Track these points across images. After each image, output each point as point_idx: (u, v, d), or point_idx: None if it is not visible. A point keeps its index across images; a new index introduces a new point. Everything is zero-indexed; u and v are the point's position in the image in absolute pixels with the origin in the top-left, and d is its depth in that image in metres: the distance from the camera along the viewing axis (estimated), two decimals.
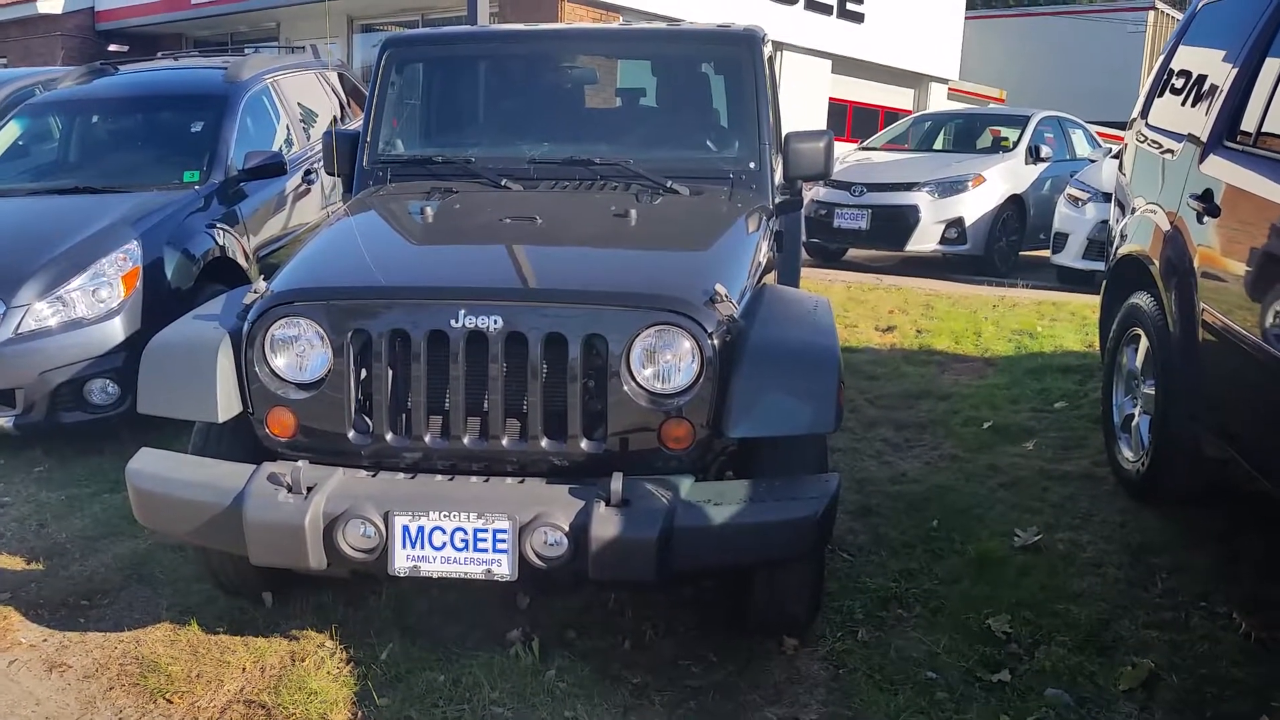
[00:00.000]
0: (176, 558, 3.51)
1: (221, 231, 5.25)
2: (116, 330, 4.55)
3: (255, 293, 2.83)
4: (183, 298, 4.71)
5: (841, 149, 10.62)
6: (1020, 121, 11.65)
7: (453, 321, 2.64)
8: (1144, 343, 4.02)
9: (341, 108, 7.33)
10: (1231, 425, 3.39)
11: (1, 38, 19.98)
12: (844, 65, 19.70)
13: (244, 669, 2.90)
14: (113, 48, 17.21)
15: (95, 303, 4.55)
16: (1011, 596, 3.24)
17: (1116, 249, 4.56)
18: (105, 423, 4.58)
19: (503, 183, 3.70)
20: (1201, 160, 3.71)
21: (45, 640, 3.08)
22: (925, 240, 10.46)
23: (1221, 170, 3.55)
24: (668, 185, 3.64)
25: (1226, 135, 3.61)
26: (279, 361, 2.75)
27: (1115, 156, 7.78)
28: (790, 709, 2.72)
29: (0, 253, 4.69)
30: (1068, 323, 7.66)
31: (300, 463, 2.63)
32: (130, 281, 4.65)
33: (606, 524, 2.46)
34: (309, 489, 2.56)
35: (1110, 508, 3.99)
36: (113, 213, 4.91)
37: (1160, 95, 4.50)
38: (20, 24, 19.63)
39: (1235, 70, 3.67)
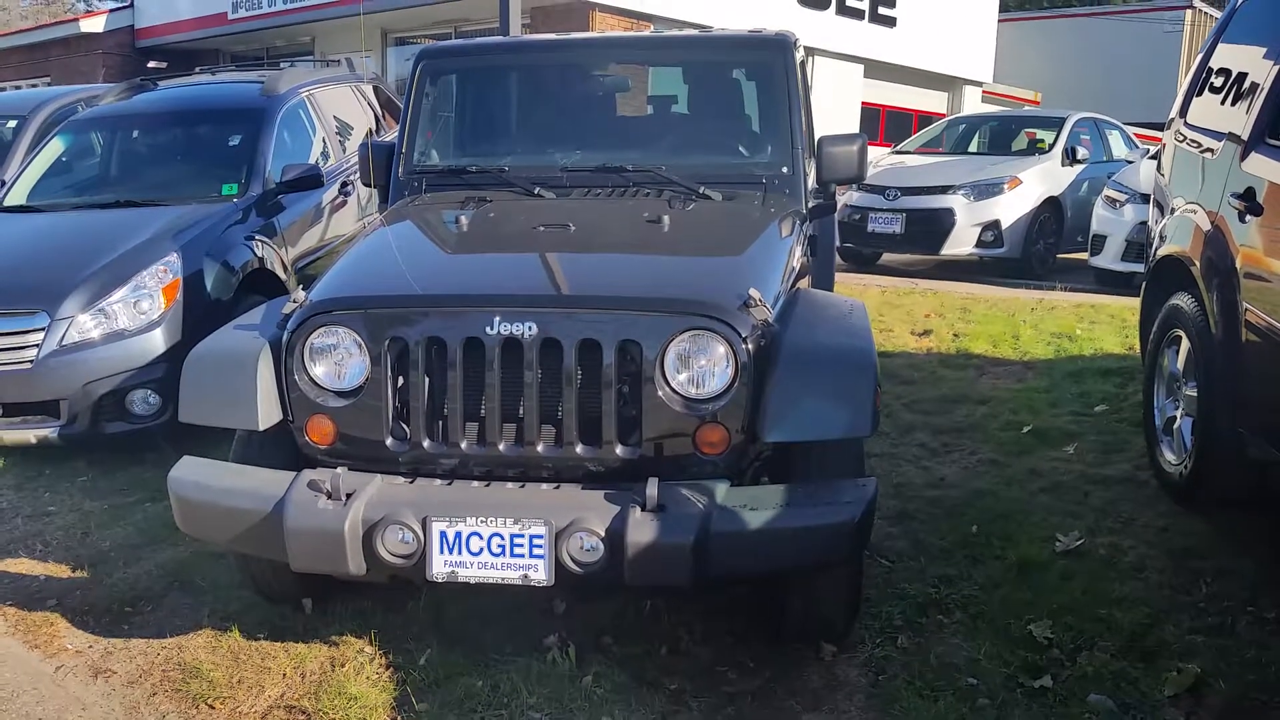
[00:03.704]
0: (218, 565, 3.55)
1: (260, 243, 5.32)
2: (157, 341, 4.62)
3: (294, 302, 2.86)
4: (222, 309, 4.77)
5: (875, 153, 10.56)
6: (1056, 123, 11.53)
7: (488, 329, 2.66)
8: (1185, 344, 3.96)
9: (377, 120, 7.41)
10: (1276, 427, 3.33)
11: (45, 56, 20.36)
12: (877, 69, 19.61)
13: (284, 675, 2.93)
14: (152, 64, 17.45)
15: (137, 314, 4.63)
16: (1053, 602, 3.20)
17: (1156, 250, 4.50)
18: (147, 432, 4.65)
19: (536, 191, 3.73)
20: (1243, 158, 3.65)
21: (90, 646, 3.13)
22: (961, 243, 10.38)
23: (1264, 168, 3.50)
24: (700, 191, 3.64)
25: (1269, 132, 3.56)
26: (318, 370, 2.79)
27: (1153, 157, 7.69)
28: (829, 715, 2.70)
29: (44, 266, 4.80)
30: (1107, 325, 7.57)
31: (339, 470, 2.66)
32: (171, 293, 4.72)
33: (642, 529, 2.46)
34: (348, 495, 2.59)
35: (1153, 512, 3.94)
36: (153, 226, 5.00)
37: (1199, 94, 4.44)
38: (63, 43, 20.00)
39: (1277, 67, 3.62)
